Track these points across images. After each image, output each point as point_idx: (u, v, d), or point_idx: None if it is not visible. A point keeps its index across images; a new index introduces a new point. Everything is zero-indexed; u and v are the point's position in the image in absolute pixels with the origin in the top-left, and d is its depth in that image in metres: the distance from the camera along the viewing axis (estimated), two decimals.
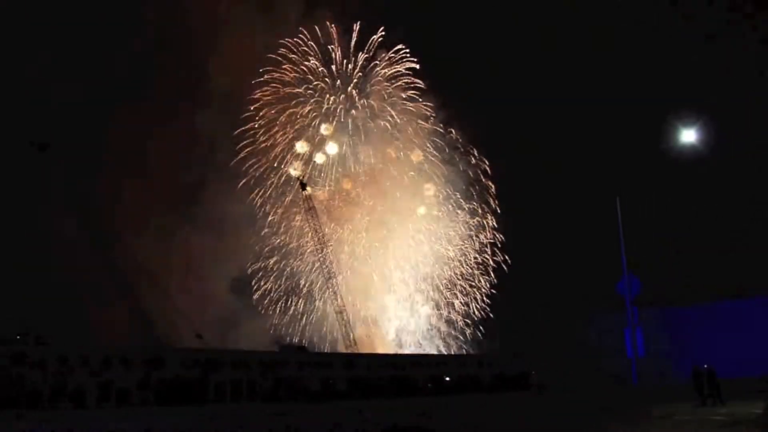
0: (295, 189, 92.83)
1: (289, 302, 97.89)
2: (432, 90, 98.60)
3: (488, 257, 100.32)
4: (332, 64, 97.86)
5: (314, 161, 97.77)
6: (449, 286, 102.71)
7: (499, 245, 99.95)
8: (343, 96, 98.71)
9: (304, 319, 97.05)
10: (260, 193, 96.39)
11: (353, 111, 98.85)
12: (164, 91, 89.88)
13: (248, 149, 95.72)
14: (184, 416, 23.74)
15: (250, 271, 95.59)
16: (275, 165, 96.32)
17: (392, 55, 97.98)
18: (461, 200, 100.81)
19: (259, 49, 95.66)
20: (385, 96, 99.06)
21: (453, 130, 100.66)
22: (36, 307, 72.69)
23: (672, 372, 57.90)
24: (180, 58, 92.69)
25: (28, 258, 77.70)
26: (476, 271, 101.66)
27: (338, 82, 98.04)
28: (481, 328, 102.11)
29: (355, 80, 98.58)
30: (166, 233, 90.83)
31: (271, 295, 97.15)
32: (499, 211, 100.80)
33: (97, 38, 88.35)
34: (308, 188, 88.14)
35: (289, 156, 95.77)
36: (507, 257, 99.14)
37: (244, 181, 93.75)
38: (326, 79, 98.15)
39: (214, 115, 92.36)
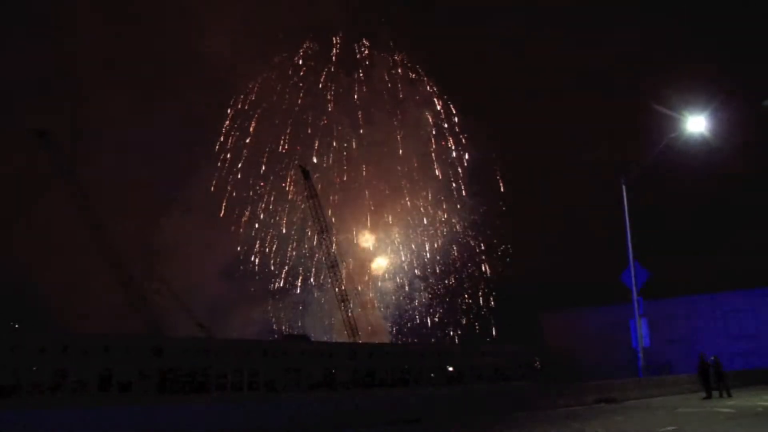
0: (292, 169, 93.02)
1: (289, 288, 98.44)
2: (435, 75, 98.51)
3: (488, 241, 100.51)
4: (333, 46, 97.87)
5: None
6: (452, 271, 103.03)
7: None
8: (343, 77, 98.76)
9: (305, 307, 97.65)
10: (257, 177, 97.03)
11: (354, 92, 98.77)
12: (155, 68, 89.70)
13: (245, 130, 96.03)
14: (192, 405, 23.63)
15: (243, 257, 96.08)
16: (275, 148, 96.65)
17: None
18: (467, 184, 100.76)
19: (257, 28, 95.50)
20: (388, 79, 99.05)
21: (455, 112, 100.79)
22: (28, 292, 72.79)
23: (674, 363, 57.89)
24: (172, 34, 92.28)
25: (20, 246, 77.63)
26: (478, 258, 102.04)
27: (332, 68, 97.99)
28: (484, 316, 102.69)
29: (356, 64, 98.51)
30: (155, 216, 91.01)
31: (272, 282, 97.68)
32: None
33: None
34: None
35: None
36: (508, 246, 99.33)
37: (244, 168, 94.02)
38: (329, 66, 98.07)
39: (207, 92, 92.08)
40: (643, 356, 31.11)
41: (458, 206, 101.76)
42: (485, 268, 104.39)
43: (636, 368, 31.17)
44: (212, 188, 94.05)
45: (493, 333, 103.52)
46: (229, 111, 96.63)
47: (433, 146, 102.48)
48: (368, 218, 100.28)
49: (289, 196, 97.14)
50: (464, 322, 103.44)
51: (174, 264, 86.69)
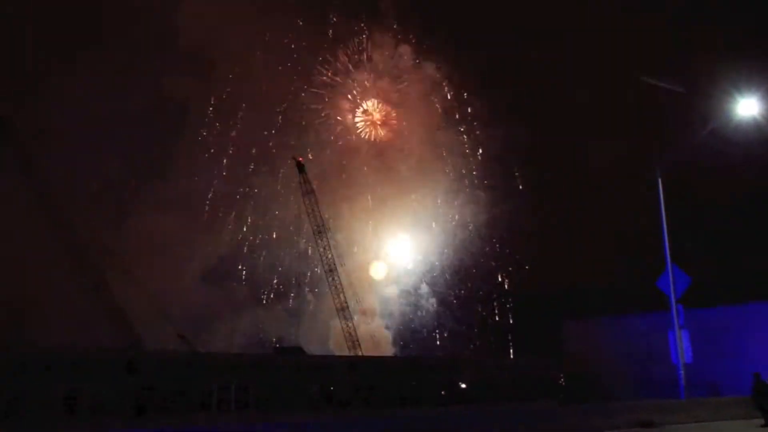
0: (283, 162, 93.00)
1: (280, 296, 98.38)
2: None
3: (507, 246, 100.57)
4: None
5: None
6: (464, 277, 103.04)
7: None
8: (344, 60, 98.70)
9: (298, 316, 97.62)
10: (245, 171, 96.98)
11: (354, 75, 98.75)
12: (124, 46, 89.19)
13: (231, 118, 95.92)
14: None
15: (229, 260, 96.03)
16: (266, 138, 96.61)
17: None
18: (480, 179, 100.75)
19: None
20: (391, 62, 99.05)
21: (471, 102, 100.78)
22: None
23: (722, 383, 57.39)
24: (143, 5, 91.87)
25: None
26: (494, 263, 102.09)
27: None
28: (499, 325, 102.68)
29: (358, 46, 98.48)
30: (129, 214, 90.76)
31: (261, 288, 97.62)
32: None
33: None
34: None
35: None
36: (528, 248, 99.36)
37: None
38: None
39: (186, 77, 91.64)
40: (685, 374, 31.03)
41: (471, 203, 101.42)
42: (501, 273, 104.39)
43: (676, 387, 31.05)
44: (193, 184, 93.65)
45: (510, 345, 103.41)
46: (212, 98, 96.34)
47: (442, 138, 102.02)
48: (369, 212, 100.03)
49: (280, 189, 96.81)
50: (476, 330, 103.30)
51: (150, 268, 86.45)
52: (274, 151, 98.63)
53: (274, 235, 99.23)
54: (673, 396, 32.14)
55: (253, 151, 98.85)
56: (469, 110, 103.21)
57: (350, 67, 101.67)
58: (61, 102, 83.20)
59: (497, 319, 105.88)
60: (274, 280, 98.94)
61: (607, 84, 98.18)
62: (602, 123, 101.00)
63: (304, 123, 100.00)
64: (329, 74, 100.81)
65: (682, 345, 32.24)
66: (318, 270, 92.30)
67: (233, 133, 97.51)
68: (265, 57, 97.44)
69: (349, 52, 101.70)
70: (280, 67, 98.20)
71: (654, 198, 34.74)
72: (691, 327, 33.05)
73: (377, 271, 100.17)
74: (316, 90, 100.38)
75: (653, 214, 35.22)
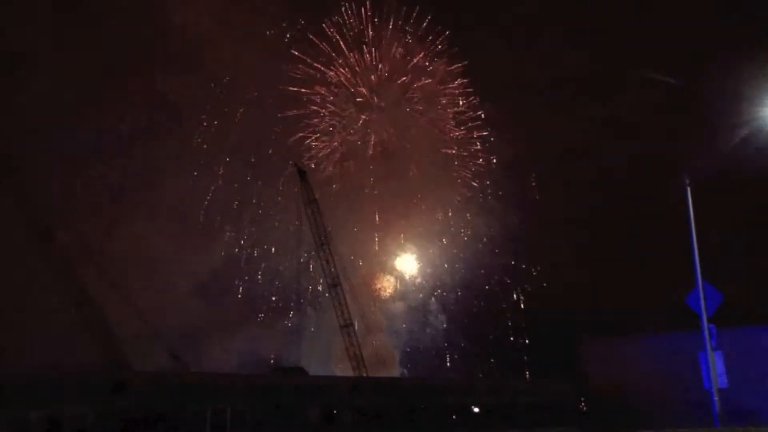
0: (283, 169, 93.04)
1: (279, 311, 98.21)
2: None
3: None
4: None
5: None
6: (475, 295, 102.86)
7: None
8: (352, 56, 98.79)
9: (298, 334, 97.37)
10: (243, 178, 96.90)
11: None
12: (113, 43, 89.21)
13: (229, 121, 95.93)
14: None
15: (223, 273, 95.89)
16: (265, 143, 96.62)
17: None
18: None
19: None
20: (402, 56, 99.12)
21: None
22: None
23: (762, 411, 56.81)
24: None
25: None
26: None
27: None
28: (514, 344, 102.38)
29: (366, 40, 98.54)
30: (116, 223, 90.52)
31: (257, 303, 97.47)
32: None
33: None
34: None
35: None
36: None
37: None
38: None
39: (179, 76, 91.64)
40: (720, 400, 30.61)
41: (484, 214, 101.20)
42: (516, 288, 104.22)
43: (710, 415, 30.63)
44: (187, 192, 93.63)
45: (526, 366, 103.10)
46: (207, 102, 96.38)
47: (455, 147, 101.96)
48: (374, 223, 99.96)
49: (279, 198, 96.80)
50: (489, 350, 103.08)
51: (139, 281, 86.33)
52: (273, 158, 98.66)
53: (273, 250, 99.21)
54: (707, 425, 31.71)
55: (252, 159, 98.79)
56: (482, 114, 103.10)
57: (356, 68, 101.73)
58: (44, 100, 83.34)
59: (512, 338, 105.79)
60: (272, 295, 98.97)
61: (632, 85, 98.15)
62: (627, 127, 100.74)
63: (305, 127, 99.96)
64: (334, 74, 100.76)
65: (715, 368, 31.81)
66: (320, 285, 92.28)
67: (230, 135, 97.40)
68: (263, 59, 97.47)
69: (355, 53, 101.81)
70: (276, 69, 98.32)
71: (683, 208, 34.44)
72: (725, 348, 32.64)
73: (383, 285, 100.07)
74: (318, 92, 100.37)
75: (682, 226, 34.91)
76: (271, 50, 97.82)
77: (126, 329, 78.97)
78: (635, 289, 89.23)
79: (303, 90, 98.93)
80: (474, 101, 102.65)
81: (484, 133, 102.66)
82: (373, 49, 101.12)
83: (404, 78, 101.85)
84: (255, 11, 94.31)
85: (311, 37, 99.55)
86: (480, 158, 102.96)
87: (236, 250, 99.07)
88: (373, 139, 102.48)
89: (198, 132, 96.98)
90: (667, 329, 70.03)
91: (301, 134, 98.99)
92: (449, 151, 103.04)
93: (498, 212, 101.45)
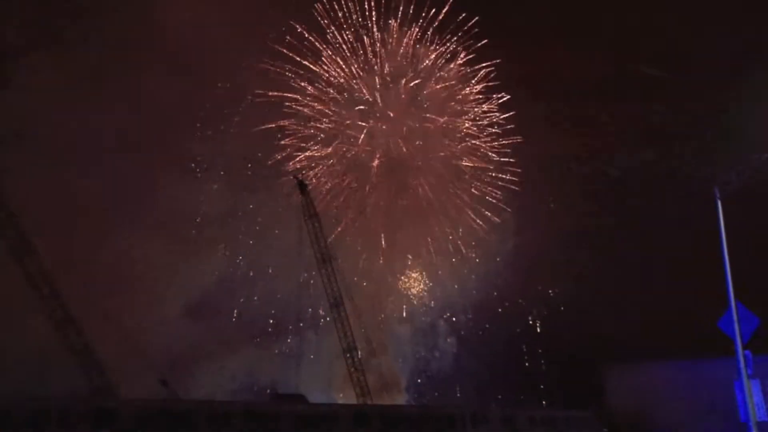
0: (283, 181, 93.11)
1: (277, 334, 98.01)
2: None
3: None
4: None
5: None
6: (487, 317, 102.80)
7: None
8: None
9: (298, 358, 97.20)
10: (239, 190, 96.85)
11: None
12: (103, 46, 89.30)
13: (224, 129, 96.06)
14: None
15: (217, 292, 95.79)
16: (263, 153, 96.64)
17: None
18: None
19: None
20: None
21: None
22: None
23: None
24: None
25: None
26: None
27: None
28: (528, 370, 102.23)
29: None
30: (102, 237, 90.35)
31: (253, 325, 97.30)
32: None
33: None
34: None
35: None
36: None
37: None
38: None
39: (166, 77, 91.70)
40: None
41: (497, 229, 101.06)
42: (531, 310, 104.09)
43: None
44: (178, 205, 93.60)
45: (542, 394, 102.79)
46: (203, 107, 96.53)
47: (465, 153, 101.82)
48: (380, 239, 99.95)
49: (279, 210, 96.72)
50: (502, 376, 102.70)
51: (127, 301, 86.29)
52: (271, 169, 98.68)
53: (270, 269, 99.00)
54: None
55: (249, 167, 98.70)
56: (495, 122, 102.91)
57: (361, 72, 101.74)
58: (25, 106, 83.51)
59: (527, 364, 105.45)
60: (270, 316, 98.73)
61: (656, 94, 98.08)
62: (651, 136, 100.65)
63: (305, 136, 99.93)
64: (337, 80, 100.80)
65: (752, 399, 31.62)
66: (321, 306, 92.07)
67: (226, 145, 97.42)
68: (262, 60, 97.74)
69: (358, 57, 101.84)
70: (278, 71, 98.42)
71: (714, 223, 34.39)
72: (763, 377, 32.48)
73: (389, 305, 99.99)
74: (319, 98, 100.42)
75: (713, 242, 34.82)
76: (270, 54, 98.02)
77: (112, 352, 78.89)
78: (662, 311, 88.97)
79: (293, 97, 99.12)
80: (495, 103, 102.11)
81: (505, 142, 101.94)
82: (378, 44, 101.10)
83: (416, 80, 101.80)
84: (254, 19, 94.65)
85: (309, 36, 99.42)
86: (501, 171, 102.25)
87: (230, 266, 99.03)
88: (378, 153, 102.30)
89: (192, 139, 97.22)
90: (698, 355, 69.66)
91: (298, 142, 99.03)
92: (465, 164, 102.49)
93: (512, 228, 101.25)
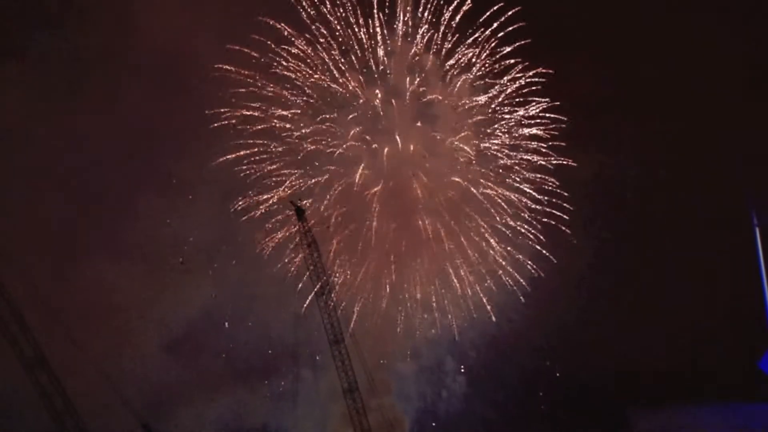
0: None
1: (269, 371, 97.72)
2: None
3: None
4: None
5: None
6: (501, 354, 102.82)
7: None
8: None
9: (292, 398, 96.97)
10: (227, 215, 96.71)
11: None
12: (77, 54, 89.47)
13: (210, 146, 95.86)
14: None
15: (201, 326, 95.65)
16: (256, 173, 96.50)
17: None
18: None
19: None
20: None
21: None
22: None
23: None
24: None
25: None
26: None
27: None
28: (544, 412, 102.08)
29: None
30: (73, 263, 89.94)
31: (241, 362, 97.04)
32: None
33: None
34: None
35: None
36: None
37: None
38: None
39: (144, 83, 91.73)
40: None
41: (512, 257, 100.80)
42: (548, 349, 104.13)
43: None
44: (159, 229, 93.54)
45: None
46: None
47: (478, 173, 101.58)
48: (384, 267, 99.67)
49: (273, 236, 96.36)
50: (516, 419, 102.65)
51: (102, 335, 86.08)
52: (269, 189, 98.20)
53: (262, 299, 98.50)
54: None
55: (240, 200, 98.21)
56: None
57: (363, 82, 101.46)
58: None
59: (542, 406, 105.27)
60: (261, 353, 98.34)
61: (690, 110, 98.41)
62: (680, 156, 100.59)
63: (303, 156, 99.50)
64: (338, 92, 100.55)
65: None
66: (317, 340, 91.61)
67: (214, 162, 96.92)
68: (258, 62, 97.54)
69: (359, 64, 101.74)
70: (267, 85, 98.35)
71: (751, 251, 34.07)
72: None
73: (392, 341, 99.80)
74: (320, 112, 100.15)
75: (750, 273, 34.47)
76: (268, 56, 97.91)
77: (86, 394, 78.33)
78: (697, 350, 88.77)
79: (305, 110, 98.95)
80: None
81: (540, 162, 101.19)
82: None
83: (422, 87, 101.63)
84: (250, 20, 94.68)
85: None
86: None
87: (215, 296, 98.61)
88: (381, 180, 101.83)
89: (173, 157, 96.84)
90: (737, 398, 69.55)
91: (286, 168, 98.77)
92: (485, 191, 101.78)
93: (528, 254, 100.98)
